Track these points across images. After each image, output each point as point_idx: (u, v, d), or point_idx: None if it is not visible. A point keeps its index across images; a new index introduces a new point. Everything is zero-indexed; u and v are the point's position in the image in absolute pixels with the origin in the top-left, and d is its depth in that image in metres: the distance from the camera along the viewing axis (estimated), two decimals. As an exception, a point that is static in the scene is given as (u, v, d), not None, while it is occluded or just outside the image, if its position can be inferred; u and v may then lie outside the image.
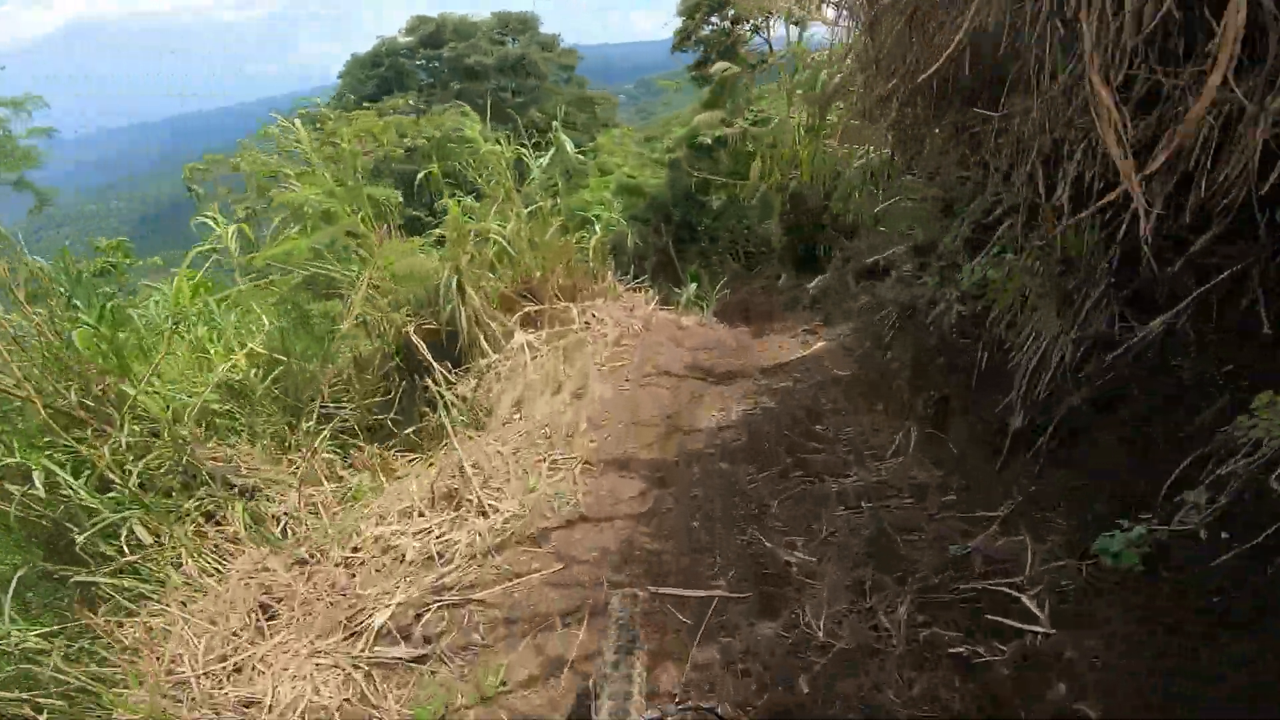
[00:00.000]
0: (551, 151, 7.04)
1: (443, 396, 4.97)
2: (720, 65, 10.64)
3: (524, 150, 6.93)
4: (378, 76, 24.18)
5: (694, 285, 8.82)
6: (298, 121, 5.74)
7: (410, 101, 19.13)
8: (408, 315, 5.94)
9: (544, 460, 3.61)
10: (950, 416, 2.84)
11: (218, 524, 4.45)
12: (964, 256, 3.01)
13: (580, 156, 9.21)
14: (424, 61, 25.57)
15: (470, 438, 5.17)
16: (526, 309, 6.57)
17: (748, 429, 3.63)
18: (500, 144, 6.83)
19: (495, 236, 6.23)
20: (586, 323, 6.50)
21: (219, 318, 5.54)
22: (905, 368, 3.30)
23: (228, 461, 4.96)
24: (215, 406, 4.98)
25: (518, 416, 4.61)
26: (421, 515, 3.52)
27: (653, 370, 5.12)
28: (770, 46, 12.92)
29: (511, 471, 3.58)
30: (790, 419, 3.62)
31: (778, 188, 7.22)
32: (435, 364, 5.35)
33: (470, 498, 3.36)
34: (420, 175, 6.45)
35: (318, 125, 9.24)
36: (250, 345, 5.26)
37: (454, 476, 3.54)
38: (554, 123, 6.98)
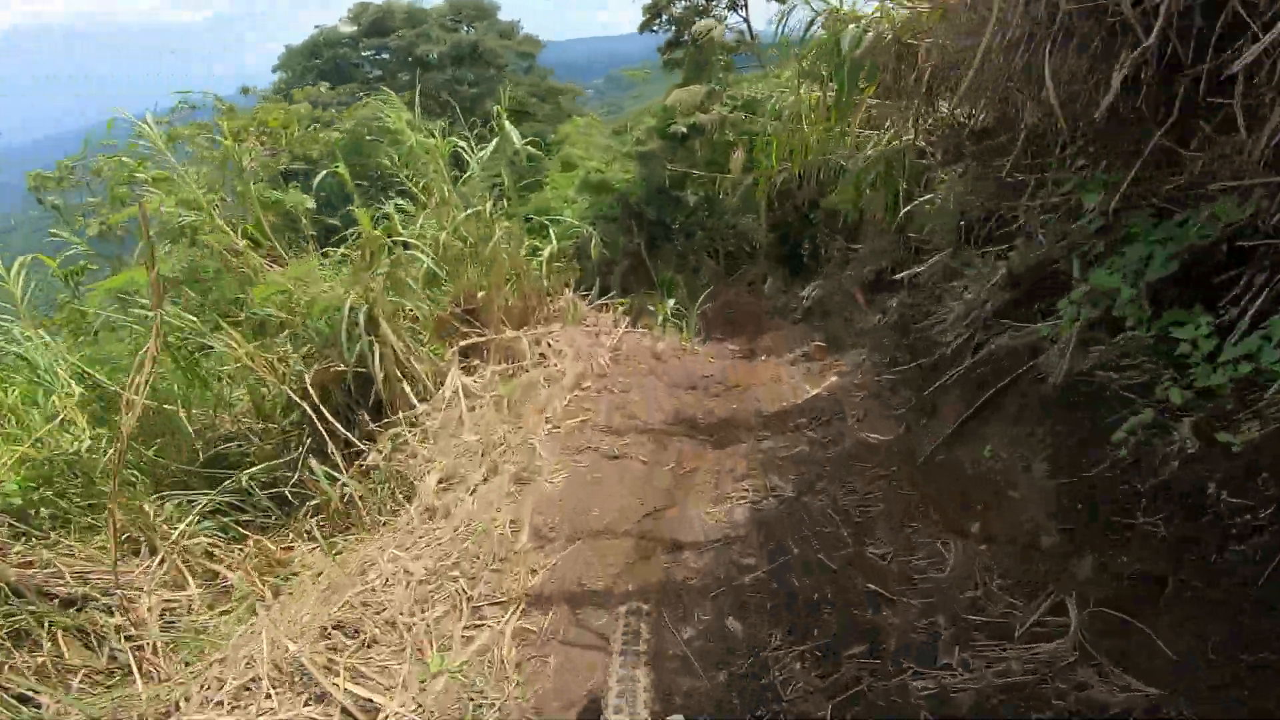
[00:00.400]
0: (494, 142, 5.76)
1: (335, 479, 3.71)
2: (705, 23, 9.33)
3: (462, 143, 5.64)
4: (316, 69, 22.30)
5: (671, 300, 7.64)
6: (150, 116, 4.39)
7: (322, 89, 17.41)
8: (309, 355, 4.66)
9: (460, 608, 2.39)
10: (1167, 603, 1.67)
11: (35, 646, 3.30)
12: (1144, 308, 1.82)
13: (535, 150, 7.94)
14: (371, 52, 23.77)
15: (384, 524, 3.94)
16: (468, 338, 5.32)
17: (761, 543, 2.46)
18: (435, 136, 5.54)
19: (419, 251, 4.96)
20: (542, 354, 5.28)
21: (46, 370, 4.18)
22: (1033, 484, 2.10)
23: (45, 565, 3.69)
24: (17, 500, 3.66)
25: (441, 503, 3.39)
26: (269, 697, 2.30)
27: (623, 425, 3.93)
28: (749, 26, 11.79)
29: (411, 626, 2.36)
30: (821, 526, 2.46)
31: (767, 179, 6.11)
32: (336, 425, 4.08)
33: (337, 683, 2.14)
34: (320, 176, 5.13)
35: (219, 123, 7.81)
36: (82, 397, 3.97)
37: (318, 640, 2.31)
38: (495, 107, 5.71)
